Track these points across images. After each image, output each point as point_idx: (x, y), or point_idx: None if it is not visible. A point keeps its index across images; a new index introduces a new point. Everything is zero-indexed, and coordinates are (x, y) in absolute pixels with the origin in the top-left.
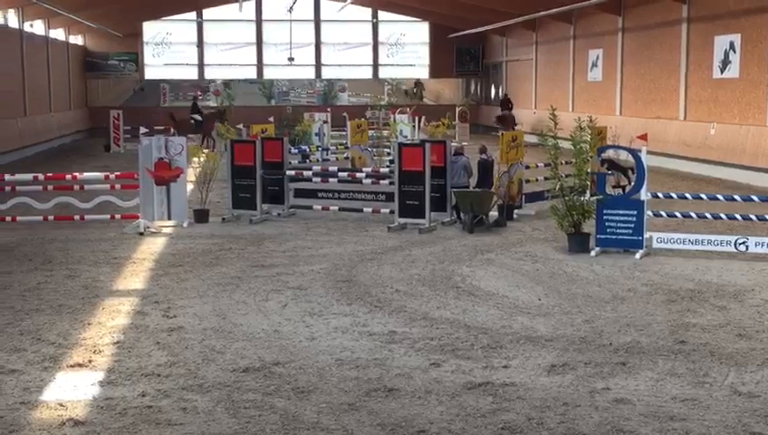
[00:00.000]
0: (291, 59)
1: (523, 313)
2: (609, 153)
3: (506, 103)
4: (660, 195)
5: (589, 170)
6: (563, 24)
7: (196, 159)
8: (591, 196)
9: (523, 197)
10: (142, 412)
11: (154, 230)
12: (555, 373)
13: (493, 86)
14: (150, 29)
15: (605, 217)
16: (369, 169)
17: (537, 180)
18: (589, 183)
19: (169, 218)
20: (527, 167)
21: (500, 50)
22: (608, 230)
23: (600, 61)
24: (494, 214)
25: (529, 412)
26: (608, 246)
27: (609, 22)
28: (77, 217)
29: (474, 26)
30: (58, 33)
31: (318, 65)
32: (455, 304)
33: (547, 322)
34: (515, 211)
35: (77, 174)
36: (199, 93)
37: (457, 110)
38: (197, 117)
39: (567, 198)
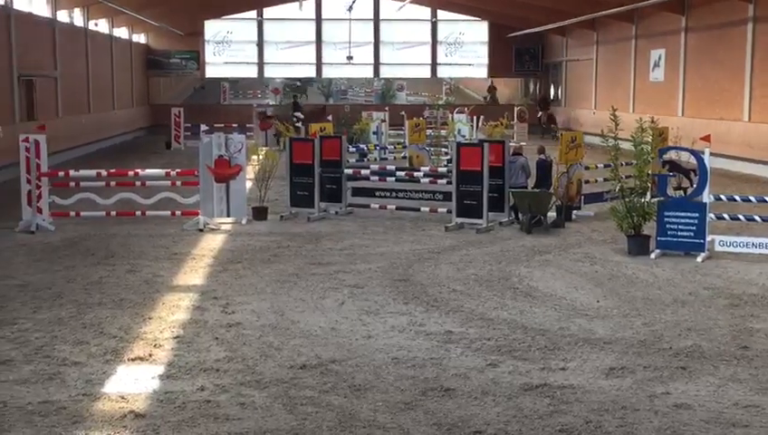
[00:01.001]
0: (350, 58)
1: (581, 315)
2: (671, 154)
3: (544, 103)
4: (723, 197)
5: (650, 172)
6: (625, 23)
7: (255, 157)
8: (652, 197)
9: (582, 198)
10: (201, 406)
11: (213, 227)
12: (614, 376)
13: (552, 86)
14: (211, 28)
15: (666, 219)
16: (427, 169)
17: (596, 181)
18: (649, 185)
19: (228, 215)
20: (586, 167)
21: (560, 49)
22: (669, 232)
23: (662, 61)
24: (552, 215)
25: (587, 415)
26: (668, 248)
27: (671, 21)
28: (138, 212)
29: (533, 26)
30: (122, 32)
31: (376, 64)
32: (512, 305)
33: (606, 324)
34: (574, 212)
35: (139, 171)
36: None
37: (516, 109)
38: (299, 114)
39: (627, 200)
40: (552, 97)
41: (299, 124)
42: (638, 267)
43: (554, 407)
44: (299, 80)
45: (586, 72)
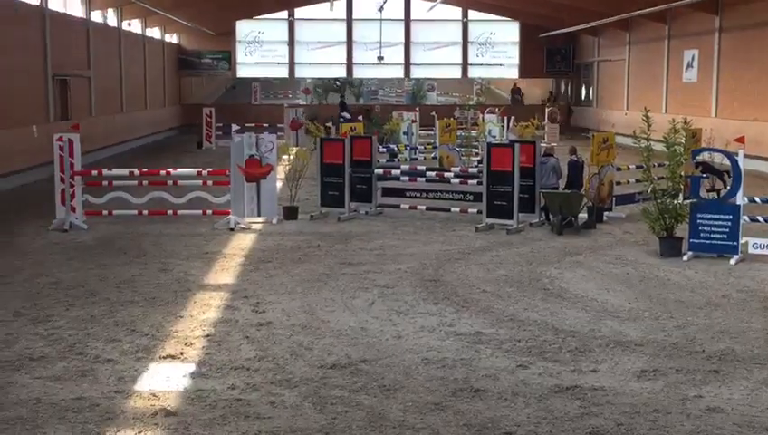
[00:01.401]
0: (380, 58)
1: (612, 316)
2: (704, 156)
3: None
4: (757, 199)
5: (682, 173)
6: (658, 23)
7: (285, 157)
8: (685, 199)
9: (614, 199)
10: (232, 405)
11: (244, 226)
12: (645, 379)
13: (584, 86)
14: (243, 28)
15: (699, 221)
16: (458, 169)
17: (628, 182)
18: (682, 186)
19: (259, 215)
20: (618, 169)
21: (591, 50)
22: (701, 235)
23: (695, 61)
24: (583, 216)
25: (618, 418)
26: (701, 250)
27: (705, 21)
28: (170, 211)
29: (565, 26)
30: (154, 32)
31: (407, 64)
32: (542, 306)
33: (637, 326)
34: (605, 213)
35: (171, 170)
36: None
37: (547, 110)
38: (346, 114)
39: (659, 201)
40: (556, 94)
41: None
42: (671, 269)
43: (585, 409)
44: (337, 80)
45: (618, 73)
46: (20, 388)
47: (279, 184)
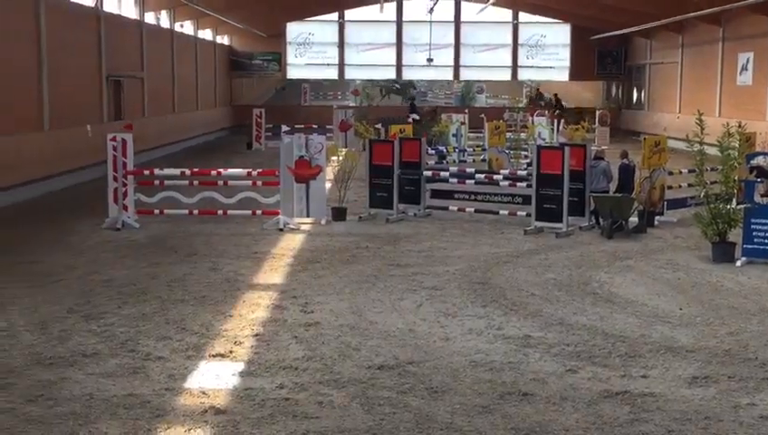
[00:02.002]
0: (430, 60)
1: (663, 322)
2: (759, 160)
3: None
4: None
5: (736, 178)
6: (712, 26)
7: (334, 158)
8: (738, 204)
9: (665, 203)
10: (280, 404)
11: (293, 227)
12: (697, 386)
13: (635, 89)
14: (293, 29)
15: (753, 226)
16: (507, 172)
17: (680, 187)
18: (736, 191)
19: (308, 216)
20: (670, 173)
21: (643, 52)
22: (755, 240)
23: (750, 64)
24: (634, 220)
25: (669, 424)
26: (755, 256)
27: (760, 24)
28: (220, 211)
29: (616, 28)
30: (206, 34)
31: (456, 66)
32: (592, 311)
33: (688, 332)
34: (656, 218)
35: (221, 170)
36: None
37: (597, 113)
38: (415, 116)
39: (712, 206)
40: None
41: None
42: (723, 275)
43: (635, 415)
44: (397, 82)
45: (670, 76)
46: (73, 384)
47: (328, 185)
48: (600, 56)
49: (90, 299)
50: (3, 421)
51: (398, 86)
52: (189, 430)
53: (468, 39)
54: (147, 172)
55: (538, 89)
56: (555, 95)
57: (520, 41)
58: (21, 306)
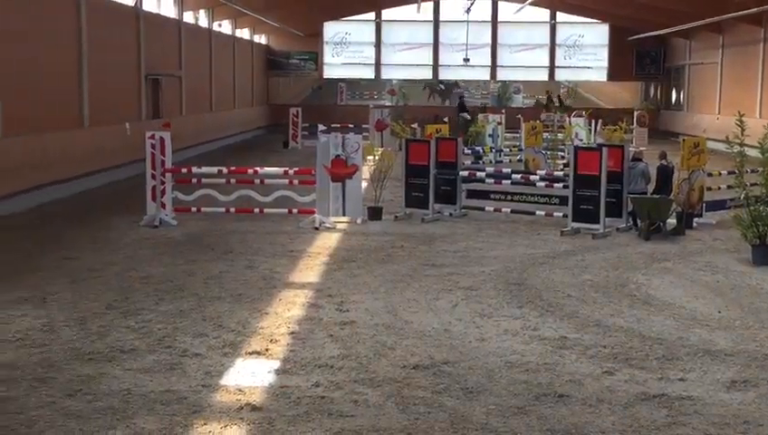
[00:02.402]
0: (466, 60)
1: (701, 325)
2: None
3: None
4: None
5: None
6: (753, 26)
7: (370, 157)
8: None
9: (704, 205)
10: (315, 402)
11: (329, 226)
12: (736, 390)
13: (674, 90)
14: (330, 29)
15: None
16: (543, 172)
17: (719, 188)
18: None
19: (344, 215)
20: (709, 174)
21: (683, 53)
22: None
23: None
24: (672, 222)
25: (707, 428)
26: None
27: None
28: (256, 210)
29: (655, 28)
30: (244, 33)
31: (493, 66)
32: (629, 313)
33: (727, 335)
34: (695, 220)
35: (258, 169)
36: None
37: (635, 114)
38: (466, 115)
39: (752, 208)
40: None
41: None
42: (763, 278)
43: (672, 418)
44: (441, 82)
45: (710, 76)
46: (111, 379)
47: (364, 184)
48: (638, 57)
49: (128, 295)
50: (43, 415)
51: (442, 86)
52: (225, 426)
53: (505, 39)
54: (184, 170)
55: (549, 93)
56: (558, 96)
57: (557, 41)
58: (61, 302)
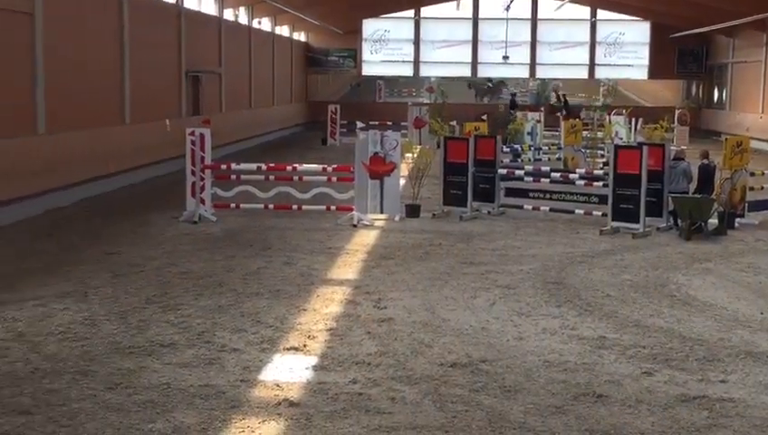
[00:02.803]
0: (506, 57)
1: (743, 326)
2: None
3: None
4: None
5: None
6: None
7: (409, 155)
8: None
9: (746, 205)
10: (353, 399)
11: (367, 223)
12: None
13: (716, 88)
14: (369, 26)
15: None
16: (583, 171)
17: (762, 188)
18: None
19: (382, 212)
20: (752, 174)
21: (725, 51)
22: None
23: None
24: (713, 222)
25: (748, 431)
26: None
27: None
28: (295, 206)
29: (697, 26)
30: (283, 30)
31: (532, 64)
32: (669, 313)
33: None
34: (737, 220)
35: (297, 165)
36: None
37: (677, 112)
38: (515, 113)
39: None
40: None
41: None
42: None
43: (713, 420)
44: (489, 80)
45: (753, 75)
46: (151, 373)
47: (402, 182)
48: (680, 54)
49: (167, 290)
50: (85, 407)
51: (490, 84)
52: (263, 421)
53: (545, 36)
54: (224, 167)
55: (556, 92)
56: (564, 95)
57: (598, 38)
58: (102, 296)
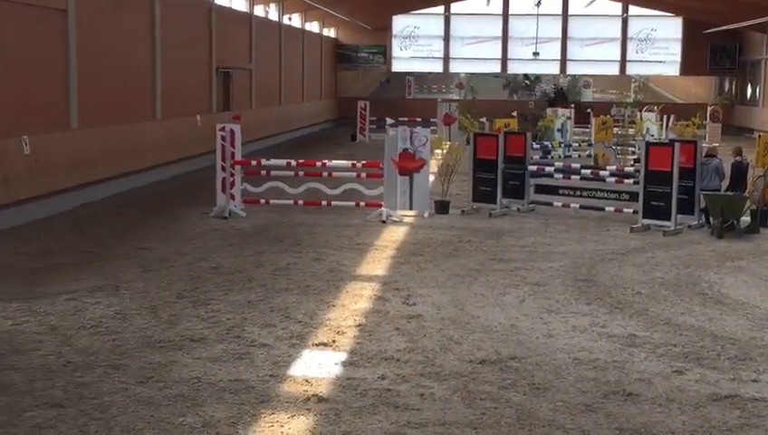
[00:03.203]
0: (536, 53)
1: None
2: None
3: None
4: None
5: None
6: None
7: (438, 151)
8: None
9: None
10: (381, 395)
11: (396, 219)
12: None
13: (749, 85)
14: (399, 22)
15: None
16: (613, 168)
17: None
18: None
19: (411, 208)
20: None
21: (759, 47)
22: None
23: None
24: (746, 219)
25: None
26: None
27: None
28: (324, 202)
29: (731, 22)
30: (313, 26)
31: (563, 60)
32: (700, 311)
33: None
34: None
35: (326, 161)
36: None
37: (709, 109)
38: (556, 108)
39: None
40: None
41: None
42: None
43: (745, 420)
44: (527, 76)
45: None
46: (181, 367)
47: (431, 178)
48: (712, 51)
49: (197, 285)
50: (116, 401)
51: (527, 81)
52: (292, 416)
53: (576, 33)
54: (254, 162)
55: (560, 87)
56: (561, 89)
57: (629, 34)
58: (133, 290)
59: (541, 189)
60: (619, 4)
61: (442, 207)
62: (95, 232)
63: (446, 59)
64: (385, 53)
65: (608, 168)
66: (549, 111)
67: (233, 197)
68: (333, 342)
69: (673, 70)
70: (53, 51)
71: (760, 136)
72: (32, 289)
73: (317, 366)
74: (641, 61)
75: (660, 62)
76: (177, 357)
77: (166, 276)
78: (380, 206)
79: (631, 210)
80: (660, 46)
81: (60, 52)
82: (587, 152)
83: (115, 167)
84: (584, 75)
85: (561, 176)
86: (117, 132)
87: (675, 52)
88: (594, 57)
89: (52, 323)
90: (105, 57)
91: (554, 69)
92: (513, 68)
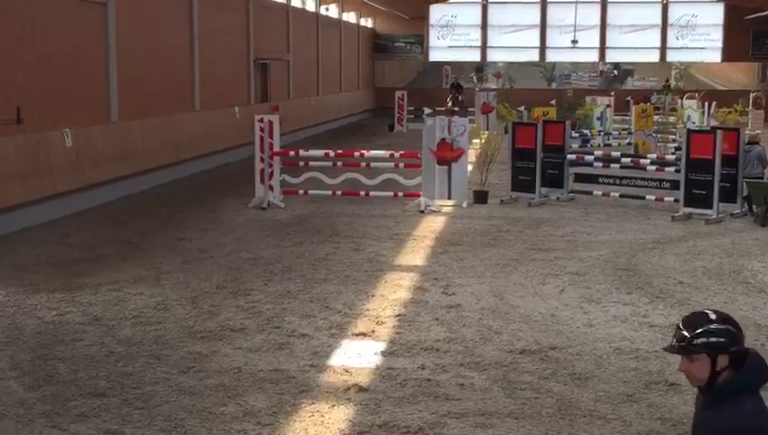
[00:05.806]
0: (574, 42)
1: None
2: None
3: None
4: None
5: None
6: None
7: (476, 141)
8: None
9: None
10: (421, 385)
11: (434, 209)
12: None
13: None
14: (436, 12)
15: None
16: (654, 156)
17: None
18: None
19: (449, 198)
20: None
21: None
22: None
23: None
24: None
25: None
26: None
27: None
28: (362, 193)
29: None
30: (350, 17)
31: (602, 48)
32: (743, 301)
33: None
34: None
35: (364, 152)
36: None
37: (751, 96)
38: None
39: None
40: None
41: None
42: None
43: None
44: (617, 66)
45: None
46: (222, 357)
47: (470, 168)
48: (755, 36)
49: (237, 276)
50: (158, 390)
51: (615, 74)
52: (333, 406)
53: (614, 20)
54: (292, 153)
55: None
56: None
57: (669, 21)
58: (174, 281)
59: (580, 178)
60: None
61: (481, 197)
62: (135, 224)
63: (484, 48)
64: (422, 42)
65: (648, 156)
66: (588, 99)
67: (271, 188)
68: (373, 332)
69: (714, 56)
70: (94, 44)
71: None
72: (74, 280)
73: (357, 356)
74: (682, 47)
75: (701, 48)
76: (217, 347)
77: (206, 267)
78: (419, 196)
79: (672, 199)
80: (701, 32)
81: (100, 45)
82: (626, 141)
83: (154, 159)
84: (624, 63)
85: (600, 164)
86: (156, 125)
87: (716, 38)
88: (634, 44)
89: (95, 314)
90: (144, 50)
91: (593, 57)
92: (552, 56)
